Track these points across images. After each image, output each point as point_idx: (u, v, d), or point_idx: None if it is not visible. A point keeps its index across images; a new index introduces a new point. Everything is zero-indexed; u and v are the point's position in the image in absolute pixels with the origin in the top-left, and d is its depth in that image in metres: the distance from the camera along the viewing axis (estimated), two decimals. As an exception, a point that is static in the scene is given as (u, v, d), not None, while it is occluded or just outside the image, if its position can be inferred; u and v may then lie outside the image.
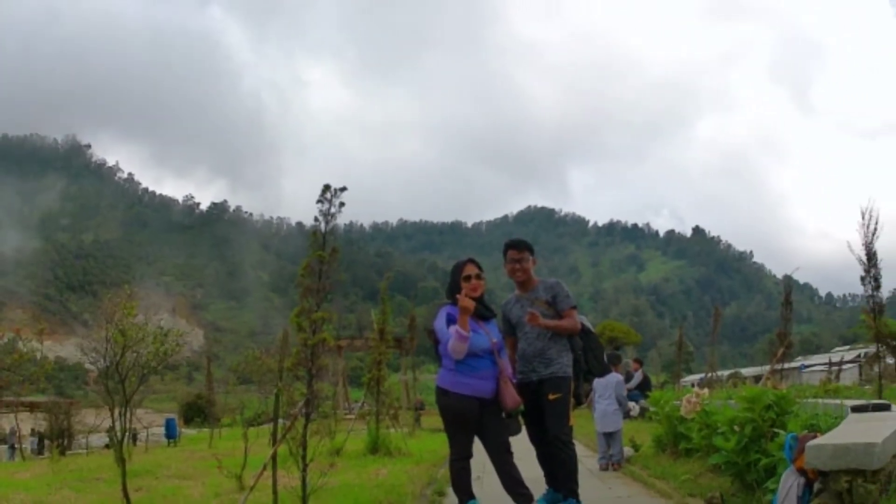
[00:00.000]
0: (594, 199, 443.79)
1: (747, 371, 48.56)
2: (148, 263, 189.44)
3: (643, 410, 15.64)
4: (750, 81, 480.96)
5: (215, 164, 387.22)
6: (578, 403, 6.59)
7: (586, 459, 9.84)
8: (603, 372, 6.95)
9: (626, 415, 13.34)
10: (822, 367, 36.84)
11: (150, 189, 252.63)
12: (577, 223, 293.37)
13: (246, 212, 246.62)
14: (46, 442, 28.56)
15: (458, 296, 5.99)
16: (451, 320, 6.06)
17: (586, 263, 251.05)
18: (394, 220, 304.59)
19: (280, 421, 7.44)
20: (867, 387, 14.35)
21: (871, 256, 9.97)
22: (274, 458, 6.67)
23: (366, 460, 12.10)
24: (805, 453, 4.52)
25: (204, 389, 38.50)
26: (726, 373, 42.93)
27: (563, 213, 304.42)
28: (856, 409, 6.29)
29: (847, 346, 51.63)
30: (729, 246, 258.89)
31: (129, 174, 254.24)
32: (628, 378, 17.22)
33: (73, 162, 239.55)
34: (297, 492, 6.61)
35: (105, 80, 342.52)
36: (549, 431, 6.16)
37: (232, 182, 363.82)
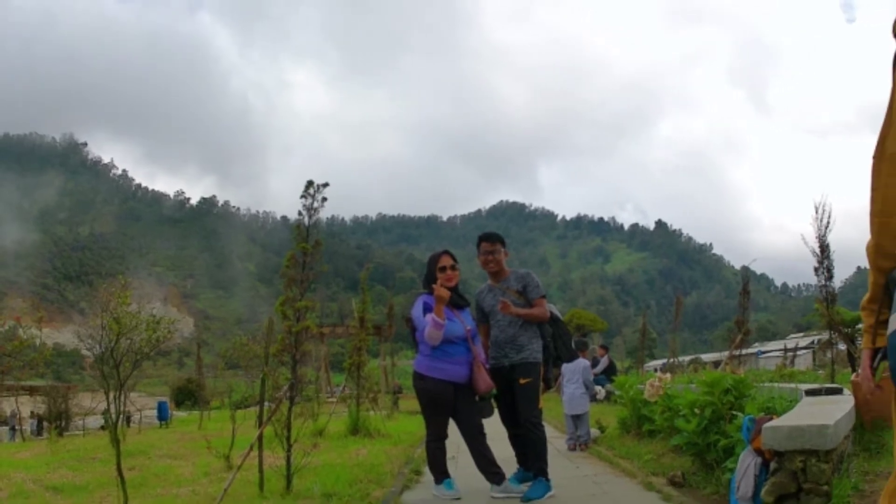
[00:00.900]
0: (562, 195, 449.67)
1: (707, 357, 48.74)
2: (141, 255, 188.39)
3: (609, 394, 15.66)
4: (710, 83, 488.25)
5: (205, 161, 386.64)
6: (548, 387, 6.58)
7: (555, 440, 9.81)
8: (571, 357, 6.91)
9: (593, 398, 13.36)
10: (777, 353, 36.97)
11: (143, 185, 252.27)
12: (547, 217, 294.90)
13: (233, 206, 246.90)
14: (45, 424, 28.24)
15: (433, 286, 6.02)
16: (427, 309, 6.07)
17: (555, 255, 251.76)
18: (373, 215, 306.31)
19: (266, 404, 7.38)
20: (820, 372, 14.42)
21: (824, 248, 10.05)
22: (260, 438, 6.62)
23: (347, 441, 11.99)
24: (762, 434, 4.52)
25: (194, 374, 38.29)
26: (687, 358, 43.23)
27: (533, 208, 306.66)
28: (810, 393, 6.31)
29: (801, 333, 51.90)
30: (690, 238, 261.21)
31: (123, 171, 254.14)
32: (595, 363, 17.25)
33: (70, 159, 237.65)
34: (281, 470, 6.61)
35: (100, 82, 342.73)
36: (520, 414, 6.14)
37: (220, 178, 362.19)
